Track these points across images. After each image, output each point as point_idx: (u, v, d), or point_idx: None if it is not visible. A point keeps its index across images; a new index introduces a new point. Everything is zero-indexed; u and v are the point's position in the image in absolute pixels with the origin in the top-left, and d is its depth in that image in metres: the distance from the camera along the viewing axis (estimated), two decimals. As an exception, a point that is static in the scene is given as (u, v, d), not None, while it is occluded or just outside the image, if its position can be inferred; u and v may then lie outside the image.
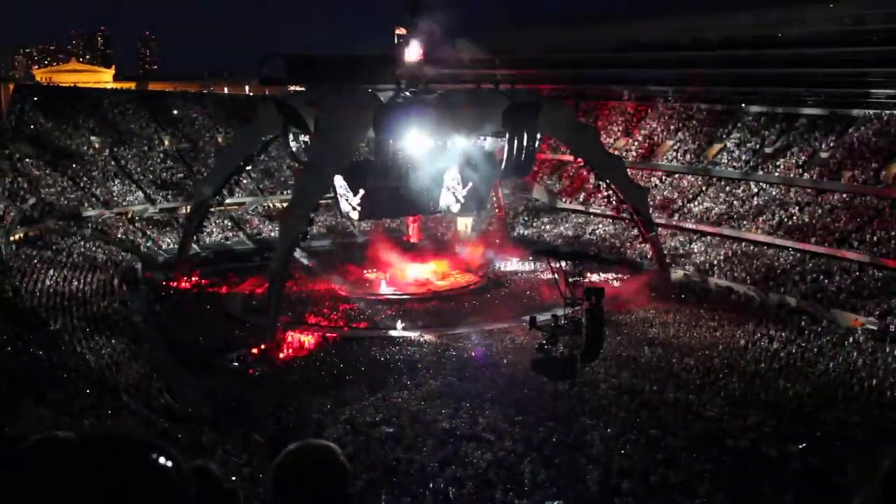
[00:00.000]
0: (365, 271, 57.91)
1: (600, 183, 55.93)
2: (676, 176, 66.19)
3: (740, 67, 65.05)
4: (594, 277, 52.51)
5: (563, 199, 71.00)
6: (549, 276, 45.11)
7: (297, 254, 51.41)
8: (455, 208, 52.87)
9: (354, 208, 49.14)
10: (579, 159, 56.40)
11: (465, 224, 68.96)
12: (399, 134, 47.45)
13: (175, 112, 76.21)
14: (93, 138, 69.01)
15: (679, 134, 68.91)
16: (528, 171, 54.16)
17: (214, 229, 64.30)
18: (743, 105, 66.96)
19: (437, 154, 49.95)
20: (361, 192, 47.95)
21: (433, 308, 50.60)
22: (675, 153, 67.41)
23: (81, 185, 63.18)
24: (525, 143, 48.28)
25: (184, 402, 33.69)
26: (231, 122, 75.08)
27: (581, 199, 69.15)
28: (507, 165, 49.27)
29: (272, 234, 63.85)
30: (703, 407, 31.60)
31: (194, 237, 57.96)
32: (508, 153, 48.50)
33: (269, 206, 69.96)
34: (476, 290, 55.10)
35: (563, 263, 41.28)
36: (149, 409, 30.63)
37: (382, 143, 47.77)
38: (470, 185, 51.33)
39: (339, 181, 48.38)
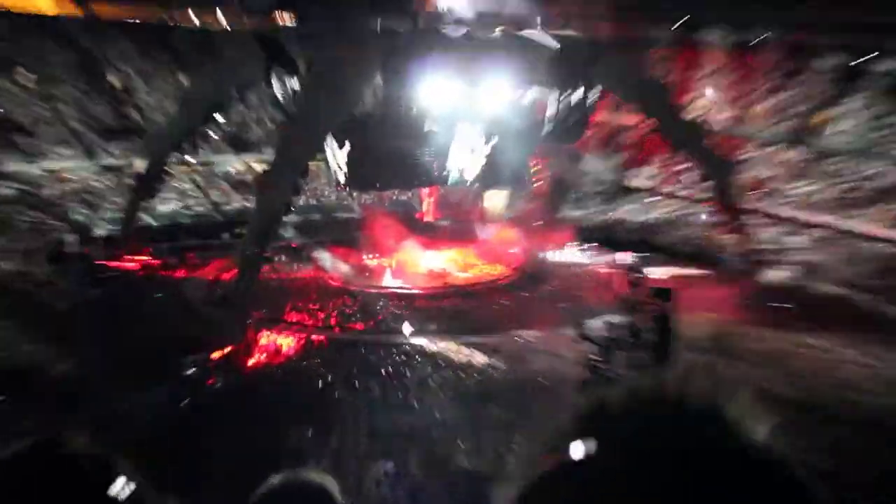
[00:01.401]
0: (364, 256, 57.78)
1: (673, 154, 55.56)
2: (774, 148, 65.54)
3: (870, 10, 63.78)
4: (662, 275, 51.87)
5: (625, 174, 70.57)
6: (604, 271, 44.54)
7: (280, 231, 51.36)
8: (470, 175, 52.67)
9: (340, 168, 49.03)
10: (647, 123, 55.87)
11: (496, 200, 68.57)
12: (415, 83, 47.11)
13: (128, 44, 75.89)
14: (18, 72, 68.68)
15: (780, 94, 68.15)
16: (580, 136, 53.89)
17: (172, 195, 64.01)
18: (867, 59, 65.85)
19: (463, 111, 49.68)
20: (347, 147, 47.83)
21: (451, 308, 50.24)
22: (773, 119, 66.77)
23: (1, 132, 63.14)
24: (577, 100, 48.00)
25: (122, 417, 33.33)
26: (200, 60, 74.61)
27: (648, 175, 68.72)
28: (553, 128, 49.17)
29: (246, 204, 63.58)
30: (803, 453, 30.75)
31: (144, 204, 57.81)
32: (555, 112, 48.22)
33: (243, 169, 69.69)
34: (508, 287, 54.65)
35: (623, 256, 40.57)
36: (75, 425, 30.12)
37: (393, 93, 47.40)
38: (495, 140, 51.23)
39: (330, 137, 48.33)
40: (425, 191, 65.55)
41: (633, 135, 71.70)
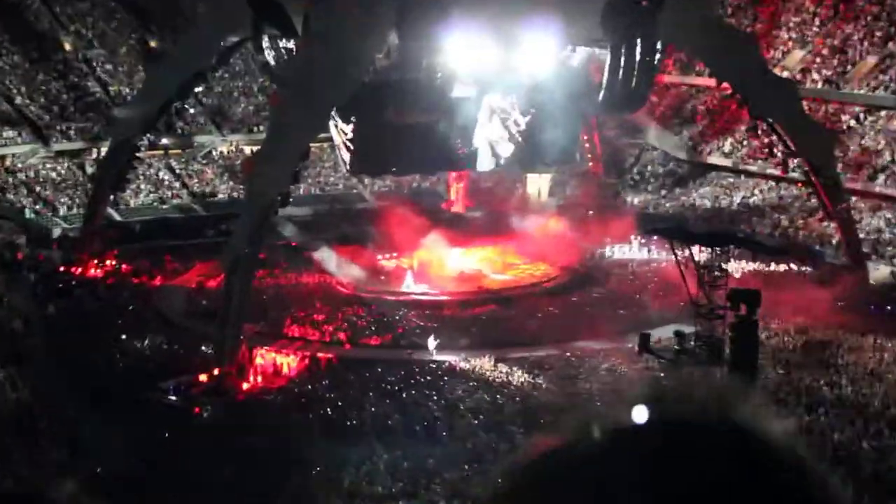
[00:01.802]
0: (379, 256, 58.34)
1: (758, 123, 55.50)
2: (884, 114, 65.23)
3: None
4: (745, 273, 52.15)
5: (698, 149, 70.44)
6: (673, 269, 44.81)
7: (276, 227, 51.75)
8: (507, 155, 52.87)
9: (348, 148, 49.56)
10: (725, 84, 55.87)
11: (539, 186, 68.83)
12: (438, 42, 47.37)
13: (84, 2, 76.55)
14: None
15: (891, 45, 67.88)
16: (643, 104, 53.77)
17: (143, 185, 64.73)
18: None
19: (498, 76, 49.88)
20: (352, 123, 48.26)
21: (487, 317, 50.80)
22: (882, 77, 66.42)
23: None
24: (638, 59, 47.99)
25: (91, 456, 34.06)
26: (172, 18, 75.33)
27: (726, 149, 68.49)
28: (610, 93, 48.99)
29: (234, 194, 64.13)
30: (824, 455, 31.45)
31: (111, 197, 58.44)
32: (611, 74, 48.20)
33: (229, 152, 70.22)
34: (555, 290, 55.36)
35: (696, 251, 40.90)
36: (33, 467, 31.04)
37: (411, 55, 47.76)
38: (537, 111, 51.36)
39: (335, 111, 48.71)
40: (453, 176, 65.44)
41: (707, 101, 71.73)
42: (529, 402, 39.56)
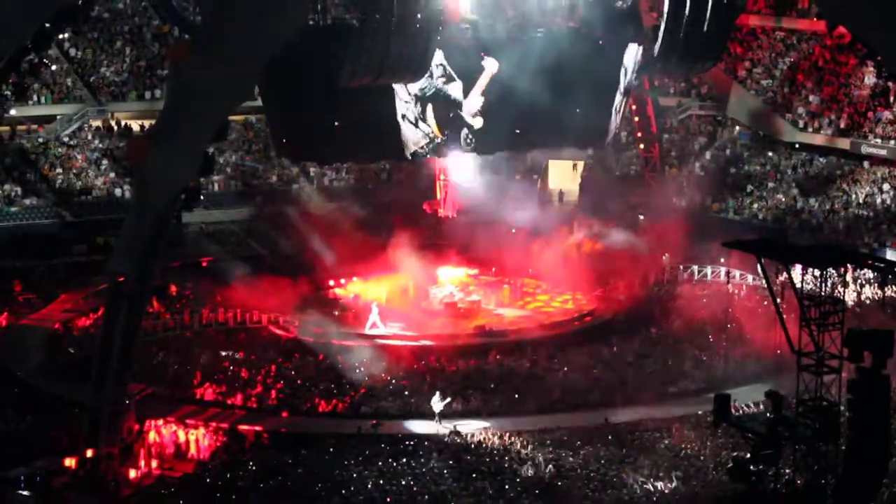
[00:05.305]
0: (331, 283, 58.30)
1: (891, 86, 55.71)
2: None
3: None
4: (868, 306, 52.22)
5: (799, 125, 70.48)
6: (765, 301, 44.71)
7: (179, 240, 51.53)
8: (515, 129, 52.92)
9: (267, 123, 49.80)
10: (840, 29, 56.07)
11: (565, 177, 68.83)
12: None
13: None
14: None
15: None
16: (718, 57, 53.89)
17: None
18: None
19: (499, 14, 50.05)
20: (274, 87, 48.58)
21: (489, 371, 50.69)
22: None
23: None
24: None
25: None
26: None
27: (840, 126, 68.54)
28: (671, 40, 49.21)
29: (117, 191, 64.11)
30: None
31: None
32: (671, 14, 48.50)
33: (109, 129, 70.17)
34: (591, 332, 55.40)
35: (798, 273, 40.65)
36: None
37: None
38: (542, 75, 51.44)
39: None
40: (439, 164, 64.40)
41: (815, 53, 71.75)
42: (556, 493, 39.17)
